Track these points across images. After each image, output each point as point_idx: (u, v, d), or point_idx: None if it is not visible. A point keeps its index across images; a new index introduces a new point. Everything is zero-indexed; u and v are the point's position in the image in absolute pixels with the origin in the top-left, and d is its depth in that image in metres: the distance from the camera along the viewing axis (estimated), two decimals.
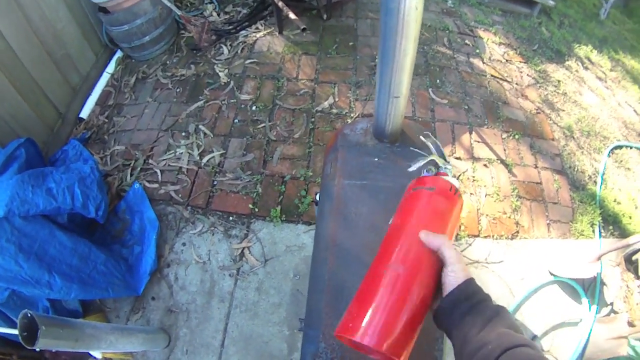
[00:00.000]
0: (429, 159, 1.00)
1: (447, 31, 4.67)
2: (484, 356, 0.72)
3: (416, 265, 0.85)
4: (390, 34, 0.99)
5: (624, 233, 3.28)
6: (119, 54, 4.32)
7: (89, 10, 3.94)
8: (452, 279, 0.82)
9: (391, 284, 0.83)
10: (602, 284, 2.94)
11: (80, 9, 3.86)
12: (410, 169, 1.00)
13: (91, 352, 2.31)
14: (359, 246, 1.16)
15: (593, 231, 3.22)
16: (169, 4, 3.93)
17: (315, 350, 1.06)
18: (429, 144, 1.05)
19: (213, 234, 2.94)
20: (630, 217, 3.39)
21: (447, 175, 0.97)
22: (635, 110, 4.52)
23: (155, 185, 3.18)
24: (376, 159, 1.33)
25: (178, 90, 3.89)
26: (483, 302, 0.81)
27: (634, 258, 3.02)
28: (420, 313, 0.83)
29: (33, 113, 3.30)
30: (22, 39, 3.19)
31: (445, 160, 1.03)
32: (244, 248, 2.85)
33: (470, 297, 0.81)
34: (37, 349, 1.69)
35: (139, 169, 3.29)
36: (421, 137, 1.08)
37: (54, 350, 2.43)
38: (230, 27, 4.43)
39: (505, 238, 3.04)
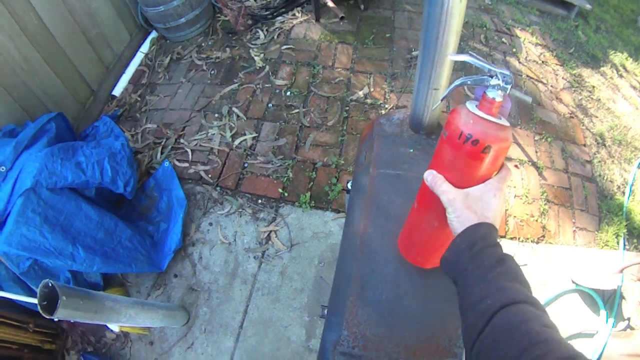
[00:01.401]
0: (472, 59, 0.80)
1: (485, 28, 4.58)
2: (481, 311, 0.69)
3: (424, 201, 0.92)
4: (433, 25, 0.97)
5: None
6: (153, 34, 4.33)
7: None
8: (456, 225, 0.81)
9: (410, 215, 1.01)
10: (622, 297, 2.85)
11: None
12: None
13: (109, 325, 2.30)
14: (390, 235, 1.13)
15: (617, 243, 3.12)
16: None
17: (336, 338, 1.04)
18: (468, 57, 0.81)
19: (240, 216, 2.90)
20: None
21: (489, 103, 0.80)
22: None
23: (186, 165, 3.16)
24: (411, 150, 1.31)
25: (212, 72, 3.87)
26: (486, 250, 0.76)
27: None
28: (434, 237, 0.94)
29: (65, 89, 3.32)
30: (57, 17, 3.21)
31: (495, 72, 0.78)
32: (270, 231, 2.81)
33: (474, 244, 0.76)
34: (56, 319, 1.66)
35: (169, 147, 3.28)
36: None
37: (72, 321, 2.42)
38: (267, 12, 4.39)
39: (531, 241, 2.97)
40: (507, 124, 0.80)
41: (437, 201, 0.85)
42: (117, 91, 3.82)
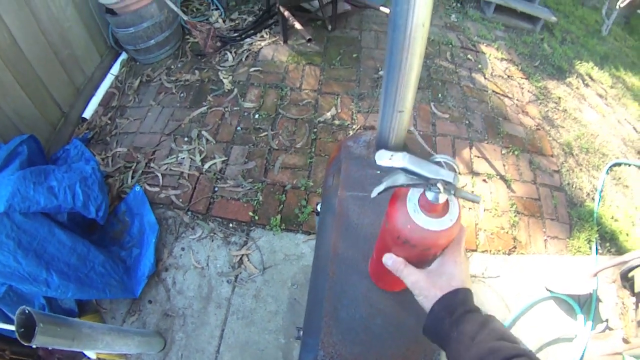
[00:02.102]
0: (393, 180, 0.78)
1: (450, 46, 4.72)
2: None
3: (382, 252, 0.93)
4: (397, 49, 1.00)
5: (620, 250, 3.31)
6: (123, 56, 4.34)
7: (96, 11, 3.96)
8: (425, 304, 0.82)
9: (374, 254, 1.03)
10: (598, 300, 2.97)
11: (88, 9, 3.88)
12: (373, 195, 0.82)
13: (85, 352, 2.31)
14: (360, 256, 1.16)
15: (590, 248, 3.25)
16: (175, 9, 3.96)
17: (313, 359, 1.06)
18: (402, 160, 0.76)
19: (212, 240, 2.95)
20: (627, 235, 3.42)
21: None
22: (634, 128, 4.57)
23: (156, 189, 3.19)
24: (378, 172, 1.33)
25: (182, 95, 3.92)
26: (467, 315, 0.77)
27: (630, 275, 3.04)
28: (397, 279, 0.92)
29: (37, 111, 3.31)
30: (30, 37, 3.20)
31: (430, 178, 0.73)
32: (242, 255, 2.87)
33: (453, 311, 0.78)
34: (33, 346, 1.68)
35: (140, 171, 3.30)
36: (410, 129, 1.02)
37: (50, 348, 2.43)
38: (236, 34, 4.46)
39: (503, 253, 3.07)
40: (451, 222, 0.77)
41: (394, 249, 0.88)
42: (88, 114, 3.82)
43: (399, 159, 0.75)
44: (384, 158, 0.77)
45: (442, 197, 0.73)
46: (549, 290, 2.94)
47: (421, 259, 0.86)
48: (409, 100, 1.14)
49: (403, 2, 0.90)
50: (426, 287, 0.82)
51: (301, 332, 1.78)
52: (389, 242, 0.87)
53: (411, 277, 0.84)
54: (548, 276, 3.00)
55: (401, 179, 0.76)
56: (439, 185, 0.72)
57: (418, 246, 0.79)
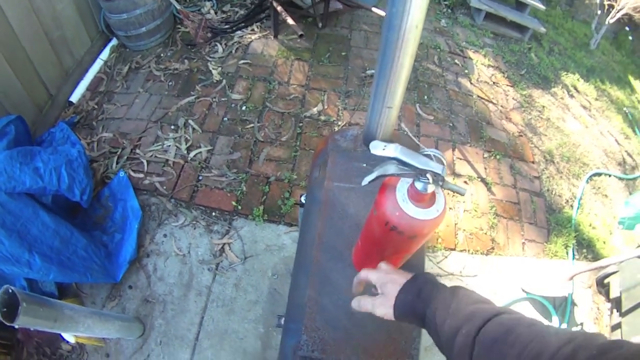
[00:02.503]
0: (386, 169, 0.83)
1: (439, 50, 4.79)
2: (462, 343, 0.71)
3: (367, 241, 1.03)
4: (390, 48, 1.05)
5: (597, 257, 3.38)
6: (114, 41, 4.33)
7: None
8: (384, 304, 0.88)
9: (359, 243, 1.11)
10: (573, 304, 3.03)
11: None
12: (364, 183, 0.87)
13: (64, 336, 2.31)
14: (344, 245, 1.20)
15: (567, 253, 3.32)
16: None
17: (296, 343, 1.09)
18: (394, 149, 0.81)
19: (195, 228, 2.97)
20: (604, 242, 3.51)
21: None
22: (616, 140, 4.68)
23: (141, 175, 3.20)
24: (364, 165, 1.38)
25: (170, 83, 3.93)
26: (434, 290, 0.81)
27: (605, 281, 3.12)
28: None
29: (24, 91, 3.30)
30: (22, 16, 3.19)
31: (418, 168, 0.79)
32: (224, 244, 2.89)
33: (420, 291, 0.82)
34: (16, 326, 1.69)
35: (125, 157, 3.31)
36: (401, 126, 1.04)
37: (32, 329, 2.43)
38: (227, 26, 4.47)
39: (481, 253, 3.14)
40: (437, 212, 0.83)
41: (378, 242, 0.95)
42: (75, 98, 3.81)
43: (392, 149, 0.80)
44: (377, 148, 0.82)
45: (431, 188, 0.79)
46: (525, 292, 3.01)
47: (405, 247, 0.92)
48: (398, 97, 1.20)
49: (399, 4, 0.95)
50: (385, 294, 0.88)
51: (282, 320, 1.81)
52: (376, 230, 0.91)
53: (375, 302, 0.90)
54: (524, 278, 3.06)
55: (392, 168, 0.81)
56: (428, 175, 0.78)
57: (405, 233, 0.84)
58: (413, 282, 0.85)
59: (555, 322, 2.89)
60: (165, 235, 2.94)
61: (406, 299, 0.83)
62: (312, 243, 1.25)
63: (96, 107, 3.77)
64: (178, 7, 4.02)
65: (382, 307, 0.87)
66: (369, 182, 0.85)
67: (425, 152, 0.83)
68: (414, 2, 0.94)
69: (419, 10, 0.96)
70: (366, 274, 0.94)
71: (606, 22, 6.05)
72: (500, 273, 3.08)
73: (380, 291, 0.89)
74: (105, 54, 4.23)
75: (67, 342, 2.50)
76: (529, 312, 2.96)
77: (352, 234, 1.21)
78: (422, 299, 0.81)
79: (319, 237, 1.23)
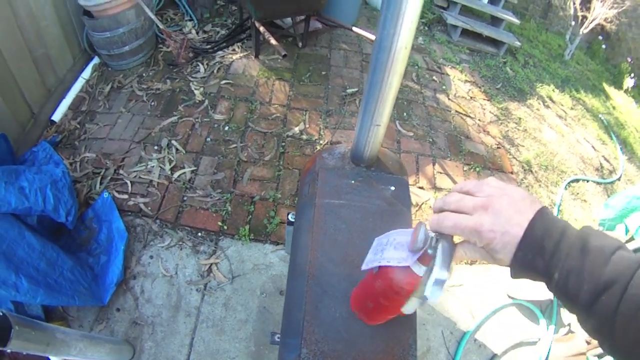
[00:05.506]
0: (388, 258, 0.85)
1: (417, 67, 4.91)
2: (602, 312, 0.62)
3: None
4: (380, 68, 1.11)
5: None
6: (95, 60, 4.34)
7: (73, 12, 3.96)
8: (502, 251, 0.72)
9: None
10: (559, 305, 3.09)
11: (65, 10, 3.88)
12: (364, 268, 0.91)
13: (52, 359, 2.30)
14: (338, 259, 1.23)
15: None
16: (152, 17, 4.00)
17: (296, 357, 1.10)
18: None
19: (181, 249, 2.99)
20: None
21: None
22: (593, 146, 4.85)
23: (125, 196, 3.21)
24: (353, 182, 1.42)
25: (153, 103, 3.95)
26: (559, 247, 0.67)
27: None
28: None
29: (7, 109, 3.27)
30: (6, 32, 3.18)
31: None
32: (211, 264, 2.91)
33: (542, 249, 0.68)
34: (8, 350, 1.67)
35: (109, 178, 3.31)
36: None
37: (17, 353, 2.40)
38: (208, 46, 4.52)
39: (466, 263, 3.21)
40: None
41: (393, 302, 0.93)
42: (57, 117, 3.80)
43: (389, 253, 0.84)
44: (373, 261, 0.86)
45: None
46: (511, 297, 3.09)
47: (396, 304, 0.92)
48: (386, 115, 1.26)
49: (390, 27, 1.02)
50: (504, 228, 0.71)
51: (276, 337, 1.84)
52: (391, 296, 0.90)
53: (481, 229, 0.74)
54: (509, 284, 3.14)
55: (395, 256, 0.84)
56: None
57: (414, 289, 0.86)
58: (531, 235, 0.69)
59: (543, 324, 2.95)
60: (151, 257, 2.95)
61: (526, 257, 0.70)
62: (306, 258, 1.27)
63: (78, 126, 3.76)
64: (161, 26, 4.05)
65: (500, 247, 0.72)
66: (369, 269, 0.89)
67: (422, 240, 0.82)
68: (404, 25, 1.01)
69: (408, 32, 1.03)
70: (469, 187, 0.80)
71: (580, 33, 6.28)
72: (486, 281, 3.15)
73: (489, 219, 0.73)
74: (87, 73, 4.23)
75: None
76: (516, 316, 3.04)
77: (345, 247, 1.24)
78: (547, 260, 0.67)
79: (313, 252, 1.25)
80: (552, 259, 0.67)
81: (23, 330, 1.69)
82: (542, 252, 0.68)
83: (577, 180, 4.24)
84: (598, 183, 4.34)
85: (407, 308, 0.89)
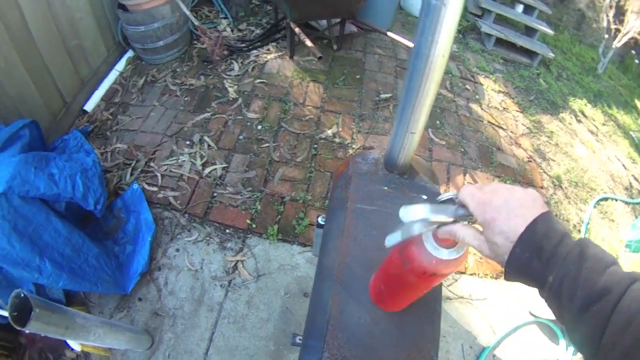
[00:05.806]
0: (410, 230, 0.83)
1: (450, 75, 4.85)
2: (593, 321, 0.61)
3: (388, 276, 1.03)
4: (417, 75, 1.09)
5: None
6: (129, 53, 4.36)
7: (108, 6, 3.99)
8: (500, 248, 0.73)
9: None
10: None
11: (100, 3, 3.91)
12: (387, 245, 0.88)
13: (70, 343, 2.26)
14: (367, 265, 1.21)
15: None
16: (187, 13, 4.00)
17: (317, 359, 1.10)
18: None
19: (208, 244, 2.95)
20: None
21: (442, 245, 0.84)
22: (623, 165, 4.72)
23: (155, 189, 3.19)
24: (386, 188, 1.40)
25: (186, 99, 3.94)
26: (558, 250, 0.67)
27: None
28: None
29: (39, 97, 3.28)
30: (40, 21, 3.20)
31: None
32: (237, 261, 2.87)
33: (541, 250, 0.68)
34: (27, 331, 1.65)
35: (139, 170, 3.30)
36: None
37: (38, 335, 2.37)
38: (243, 45, 4.51)
39: (491, 277, 3.12)
40: (462, 252, 0.83)
41: (411, 287, 0.96)
42: (89, 107, 3.82)
43: (422, 212, 0.82)
44: (407, 215, 0.83)
45: None
46: (533, 315, 3.00)
47: (435, 284, 0.94)
48: (421, 123, 1.23)
49: (428, 34, 1.00)
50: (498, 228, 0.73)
51: (297, 338, 1.80)
52: (409, 279, 0.92)
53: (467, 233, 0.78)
54: (533, 301, 3.05)
55: (417, 228, 0.82)
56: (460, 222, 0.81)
57: (443, 275, 0.87)
58: (532, 233, 0.69)
59: (562, 344, 2.87)
60: (177, 250, 2.92)
61: (523, 256, 0.69)
62: (334, 262, 1.26)
63: (110, 117, 3.77)
64: (196, 23, 4.04)
65: (498, 231, 0.73)
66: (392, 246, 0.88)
67: (444, 198, 0.86)
68: (443, 33, 0.98)
69: (446, 40, 1.01)
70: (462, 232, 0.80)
71: (613, 46, 6.15)
72: (510, 297, 3.07)
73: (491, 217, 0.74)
74: (121, 65, 4.25)
75: (73, 349, 2.44)
76: (537, 335, 2.95)
77: (375, 254, 1.22)
78: (544, 262, 0.67)
79: (342, 256, 1.24)
80: (549, 261, 0.67)
81: (43, 313, 1.68)
82: (539, 252, 0.68)
83: (606, 199, 4.12)
84: (627, 203, 4.21)
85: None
